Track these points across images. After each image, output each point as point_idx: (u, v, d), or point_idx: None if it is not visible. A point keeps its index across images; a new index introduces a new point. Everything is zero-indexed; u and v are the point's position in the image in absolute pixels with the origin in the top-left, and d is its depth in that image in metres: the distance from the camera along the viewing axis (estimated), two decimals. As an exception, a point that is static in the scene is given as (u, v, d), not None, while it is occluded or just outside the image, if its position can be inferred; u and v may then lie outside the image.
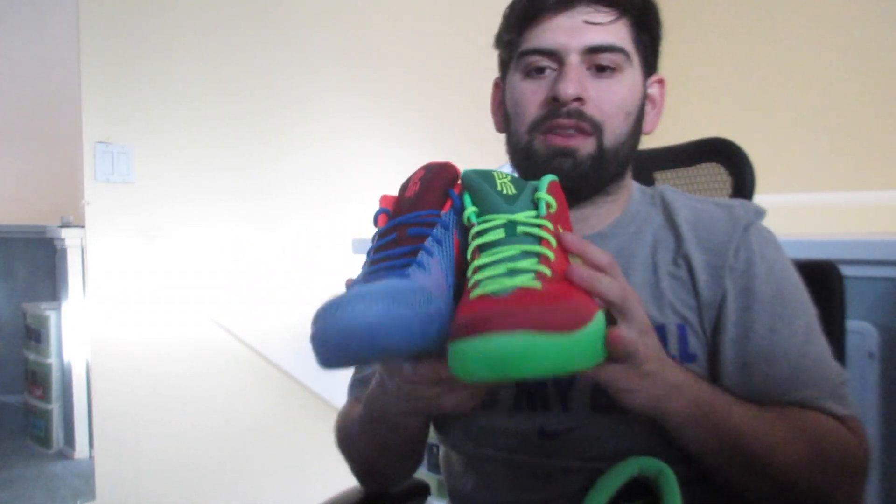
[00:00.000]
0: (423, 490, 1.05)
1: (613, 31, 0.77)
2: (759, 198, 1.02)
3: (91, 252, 2.00)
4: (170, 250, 2.10)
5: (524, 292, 0.55)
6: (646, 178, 1.18)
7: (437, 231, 0.65)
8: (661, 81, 0.86)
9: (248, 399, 2.24)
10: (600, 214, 0.83)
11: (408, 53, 2.57)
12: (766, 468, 0.69)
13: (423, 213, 0.66)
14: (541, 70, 0.78)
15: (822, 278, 0.88)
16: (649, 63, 0.82)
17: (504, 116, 0.85)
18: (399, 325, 0.56)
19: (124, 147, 2.00)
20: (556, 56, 0.77)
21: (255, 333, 2.24)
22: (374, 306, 0.56)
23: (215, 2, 2.18)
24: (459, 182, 0.69)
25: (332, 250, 2.26)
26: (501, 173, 0.66)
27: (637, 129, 0.82)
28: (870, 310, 1.25)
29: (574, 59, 0.76)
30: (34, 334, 3.27)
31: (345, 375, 0.92)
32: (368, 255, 0.67)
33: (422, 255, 0.63)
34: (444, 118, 2.61)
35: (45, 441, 3.24)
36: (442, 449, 0.90)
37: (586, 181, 0.78)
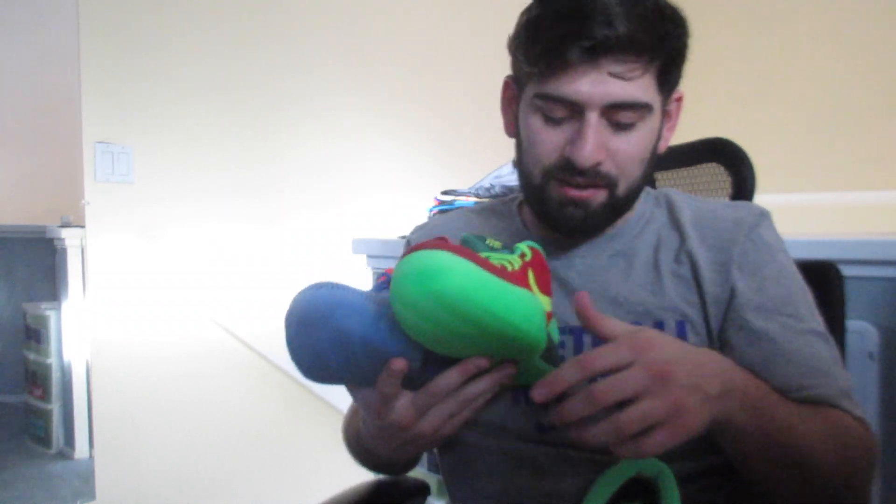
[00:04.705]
0: (423, 490, 1.05)
1: (638, 84, 0.72)
2: (759, 198, 1.02)
3: (91, 252, 2.00)
4: (170, 250, 2.10)
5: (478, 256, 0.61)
6: (646, 178, 1.18)
7: None
8: (679, 99, 0.82)
9: (247, 399, 2.24)
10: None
11: (408, 51, 2.57)
12: (803, 467, 0.68)
13: None
14: (559, 119, 0.75)
15: (822, 278, 0.88)
16: (672, 89, 0.79)
17: (517, 138, 0.83)
18: (348, 306, 0.61)
19: (124, 147, 2.00)
20: (575, 106, 0.73)
21: (254, 334, 2.24)
22: (322, 289, 0.63)
23: (215, 1, 2.18)
24: None
25: (332, 250, 2.26)
26: (495, 241, 0.70)
27: (652, 160, 0.80)
28: (870, 310, 1.25)
29: (593, 117, 0.73)
30: (34, 334, 3.27)
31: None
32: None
33: None
34: (444, 116, 2.61)
35: (45, 441, 3.24)
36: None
37: (598, 227, 0.81)
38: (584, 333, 0.79)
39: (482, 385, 0.65)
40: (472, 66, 2.43)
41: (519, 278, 0.63)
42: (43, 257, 3.44)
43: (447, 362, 0.64)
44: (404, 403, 0.65)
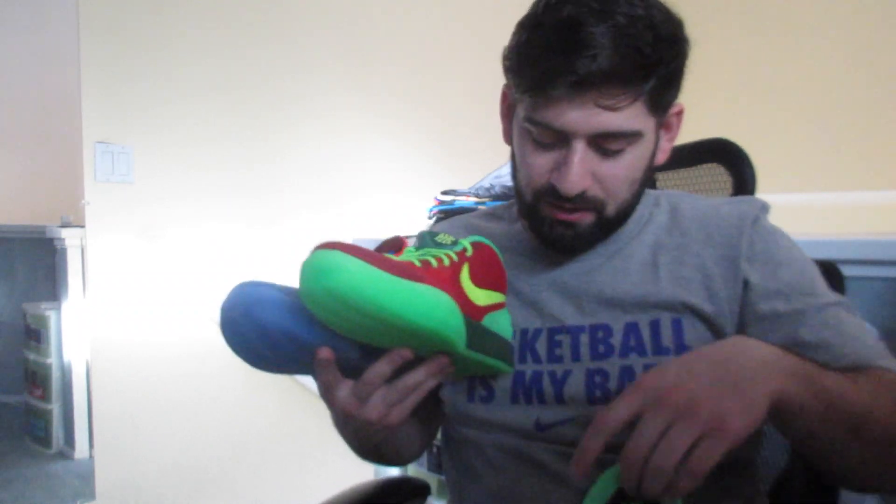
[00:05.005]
0: (424, 490, 1.05)
1: (627, 114, 0.72)
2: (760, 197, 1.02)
3: (91, 252, 2.00)
4: (170, 250, 2.10)
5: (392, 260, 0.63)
6: (646, 179, 1.18)
7: None
8: (679, 112, 0.81)
9: (247, 399, 2.24)
10: None
11: (408, 51, 2.57)
12: (866, 431, 0.66)
13: None
14: (547, 144, 0.76)
15: (822, 278, 0.88)
16: (667, 108, 0.78)
17: (511, 149, 0.83)
18: (266, 300, 0.63)
19: (124, 147, 2.00)
20: (563, 135, 0.74)
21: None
22: (246, 287, 0.65)
23: (215, 1, 2.18)
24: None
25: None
26: (447, 237, 0.73)
27: (645, 178, 0.80)
28: (870, 310, 1.25)
29: (580, 145, 0.73)
30: (34, 334, 3.27)
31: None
32: None
33: None
34: (444, 116, 2.61)
35: (45, 441, 3.24)
36: (443, 437, 0.91)
37: (589, 246, 0.81)
38: (581, 332, 0.79)
39: (418, 376, 0.67)
40: (472, 66, 2.43)
41: (433, 274, 0.65)
42: (43, 257, 3.43)
43: (383, 352, 0.65)
44: (345, 392, 0.67)
